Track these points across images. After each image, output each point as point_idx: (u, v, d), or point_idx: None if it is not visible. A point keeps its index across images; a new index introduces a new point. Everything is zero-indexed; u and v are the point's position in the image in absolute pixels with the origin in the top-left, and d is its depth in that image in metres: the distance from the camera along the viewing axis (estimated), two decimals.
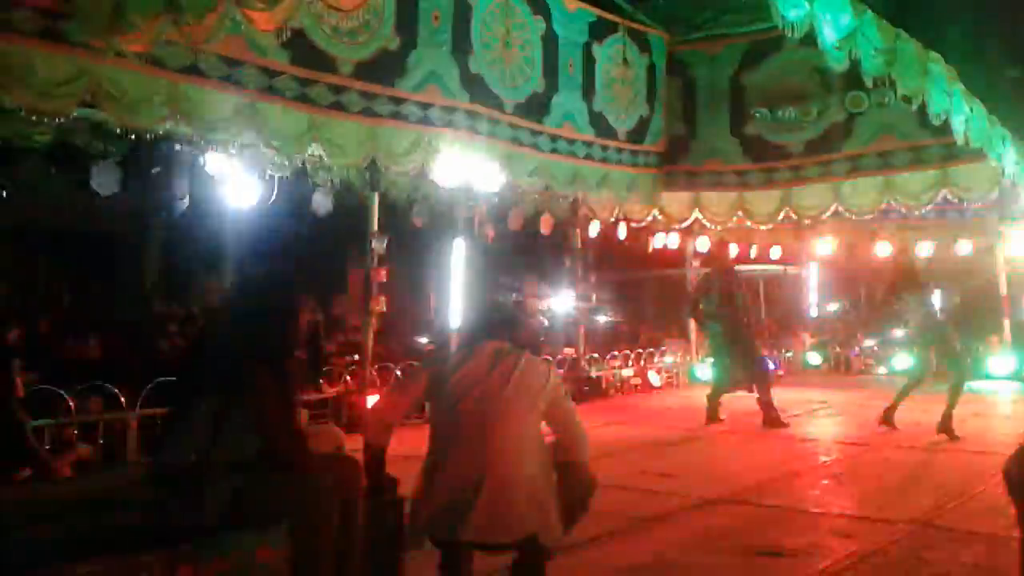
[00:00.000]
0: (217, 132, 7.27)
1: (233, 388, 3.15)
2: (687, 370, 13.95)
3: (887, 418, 8.56)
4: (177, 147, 8.84)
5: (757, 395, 9.30)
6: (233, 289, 3.45)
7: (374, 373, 9.24)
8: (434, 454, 3.44)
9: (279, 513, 3.14)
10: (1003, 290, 14.04)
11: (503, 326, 3.60)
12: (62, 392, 6.85)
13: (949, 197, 10.57)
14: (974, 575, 4.35)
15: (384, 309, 9.10)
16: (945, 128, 7.74)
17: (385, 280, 8.97)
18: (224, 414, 3.15)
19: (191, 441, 3.12)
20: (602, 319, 16.82)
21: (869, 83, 6.74)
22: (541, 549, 3.31)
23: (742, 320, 9.57)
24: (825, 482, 6.68)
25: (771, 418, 9.12)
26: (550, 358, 11.47)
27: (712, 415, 9.45)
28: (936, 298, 9.06)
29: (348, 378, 9.50)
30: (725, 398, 9.56)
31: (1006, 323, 13.94)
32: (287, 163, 8.94)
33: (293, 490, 3.14)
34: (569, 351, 12.34)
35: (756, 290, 19.51)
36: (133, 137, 7.73)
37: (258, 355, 3.20)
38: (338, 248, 14.59)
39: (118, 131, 7.53)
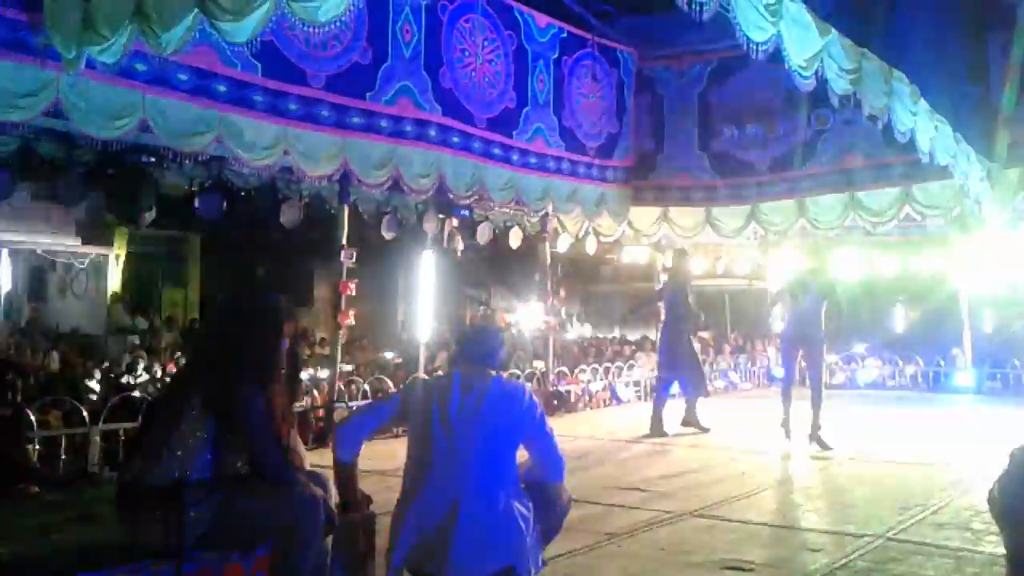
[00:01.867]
0: (186, 143, 7.19)
1: (221, 406, 3.12)
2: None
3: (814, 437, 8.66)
4: (143, 158, 8.73)
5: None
6: (219, 308, 3.43)
7: (341, 387, 9.17)
8: (410, 482, 3.38)
9: (265, 530, 3.11)
10: (964, 305, 14.29)
11: (479, 351, 3.55)
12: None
13: (912, 215, 10.72)
14: None
15: (352, 323, 9.05)
16: (909, 146, 7.86)
17: (353, 294, 8.94)
18: (212, 432, 3.11)
19: (175, 459, 3.08)
20: (571, 333, 16.82)
21: (835, 102, 6.81)
22: None
23: (682, 331, 9.80)
24: (792, 496, 6.73)
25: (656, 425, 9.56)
26: (519, 372, 11.47)
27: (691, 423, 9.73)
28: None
29: (315, 391, 9.42)
30: (701, 409, 9.80)
31: (967, 337, 14.19)
32: (256, 175, 8.89)
33: (280, 507, 3.11)
34: (538, 364, 12.33)
35: (722, 304, 19.74)
36: (99, 147, 7.64)
37: (246, 374, 3.17)
38: (305, 261, 14.52)
39: (84, 141, 7.44)
